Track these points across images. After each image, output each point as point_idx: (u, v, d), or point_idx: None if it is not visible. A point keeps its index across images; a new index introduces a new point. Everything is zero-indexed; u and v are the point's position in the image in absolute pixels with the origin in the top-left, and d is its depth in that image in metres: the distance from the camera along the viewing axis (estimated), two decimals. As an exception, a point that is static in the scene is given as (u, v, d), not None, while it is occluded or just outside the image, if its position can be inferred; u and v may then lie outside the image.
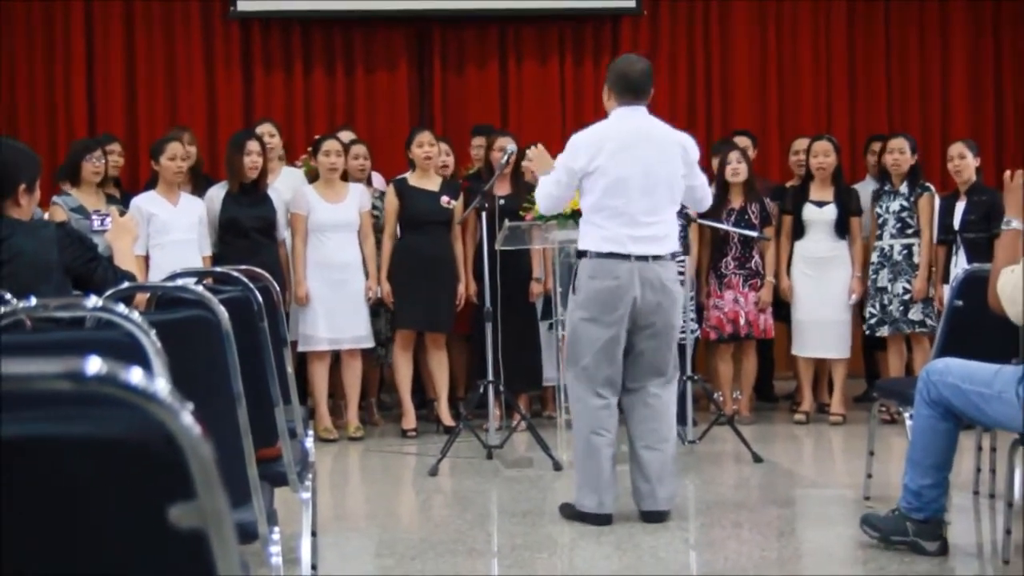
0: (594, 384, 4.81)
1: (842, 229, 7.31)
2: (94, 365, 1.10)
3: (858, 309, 7.54)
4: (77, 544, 1.22)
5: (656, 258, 4.78)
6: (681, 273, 7.07)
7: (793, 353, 7.51)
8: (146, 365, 1.95)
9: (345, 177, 7.16)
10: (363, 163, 7.35)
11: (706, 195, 5.14)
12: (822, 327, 7.31)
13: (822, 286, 7.31)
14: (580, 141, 4.87)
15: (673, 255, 4.90)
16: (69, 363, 1.10)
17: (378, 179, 7.60)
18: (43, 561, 1.22)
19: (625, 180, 4.75)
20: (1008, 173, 4.12)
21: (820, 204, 7.32)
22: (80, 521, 1.22)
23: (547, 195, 5.02)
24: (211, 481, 1.16)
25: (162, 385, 1.14)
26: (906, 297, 7.13)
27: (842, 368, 7.38)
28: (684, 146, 4.92)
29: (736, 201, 7.28)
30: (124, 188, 7.42)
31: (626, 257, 4.74)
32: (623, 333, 4.79)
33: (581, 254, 4.87)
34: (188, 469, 1.16)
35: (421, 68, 9.25)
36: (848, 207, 7.32)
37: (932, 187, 7.30)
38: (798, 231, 7.40)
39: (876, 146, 7.99)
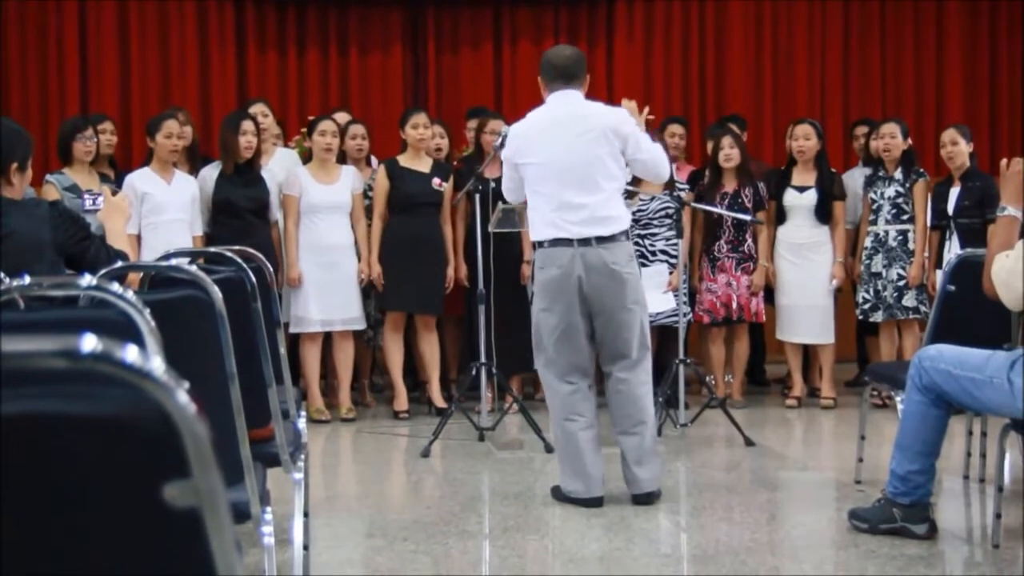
0: (560, 372, 4.86)
1: (823, 214, 7.30)
2: (89, 343, 1.10)
3: (848, 294, 7.55)
4: (71, 522, 1.22)
5: (600, 240, 4.77)
6: (665, 252, 7.13)
7: (778, 338, 7.53)
8: (140, 344, 1.94)
9: (342, 159, 7.15)
10: (361, 143, 7.34)
11: (660, 165, 4.97)
12: (805, 313, 7.31)
13: (804, 272, 7.31)
14: (513, 131, 4.99)
15: (627, 235, 4.87)
16: (64, 340, 1.10)
17: (375, 161, 7.60)
18: (37, 538, 1.22)
19: (549, 165, 4.79)
20: (1005, 161, 4.12)
21: (801, 189, 7.32)
22: (74, 499, 1.22)
23: (505, 189, 5.14)
24: (206, 460, 1.16)
25: (157, 363, 1.13)
26: (901, 283, 7.14)
27: (829, 353, 7.39)
28: (609, 124, 4.83)
29: (729, 185, 7.28)
30: (118, 167, 7.39)
31: (569, 243, 4.77)
32: (578, 319, 4.81)
33: (534, 245, 4.95)
34: (183, 448, 1.16)
35: (415, 49, 9.23)
36: (830, 192, 7.31)
37: (926, 172, 7.30)
38: (780, 216, 7.40)
39: (859, 131, 7.99)
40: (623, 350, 4.86)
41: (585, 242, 4.76)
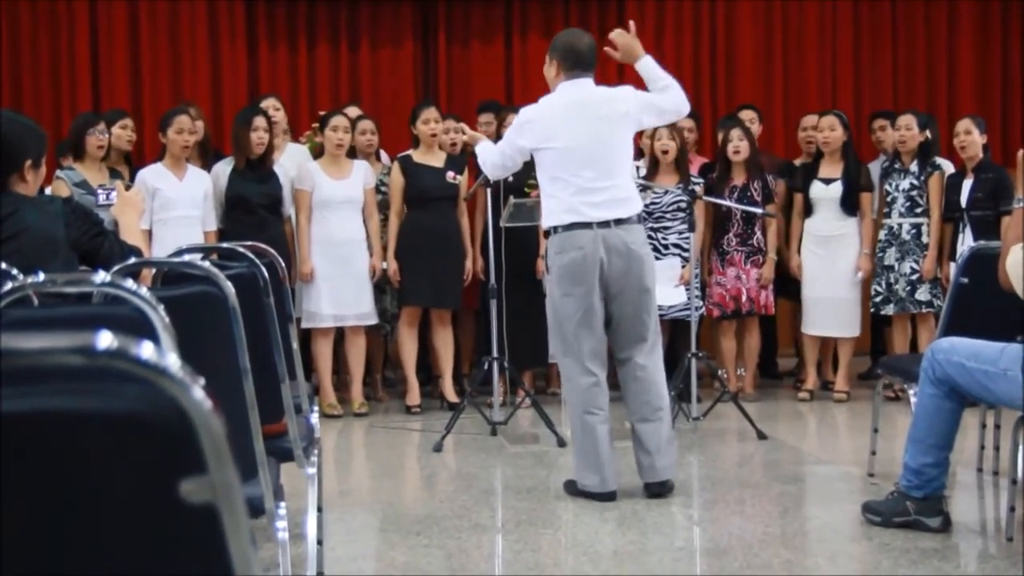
0: (581, 358, 4.83)
1: (850, 206, 7.27)
2: (105, 339, 1.10)
3: (866, 286, 7.53)
4: (87, 518, 1.22)
5: (619, 222, 4.79)
6: (678, 246, 7.12)
7: (803, 332, 7.49)
8: (155, 340, 1.95)
9: (353, 153, 7.16)
10: (370, 138, 7.35)
11: (678, 101, 4.96)
12: (830, 305, 7.28)
13: (830, 264, 7.28)
14: (526, 117, 4.95)
15: (640, 217, 4.89)
16: (80, 337, 1.10)
17: (385, 155, 7.60)
18: (53, 535, 1.22)
19: (572, 150, 4.78)
20: (1021, 152, 4.10)
21: (827, 181, 7.29)
22: (90, 496, 1.22)
23: (491, 163, 5.15)
24: (222, 456, 1.16)
25: (173, 360, 1.14)
26: (913, 277, 7.11)
27: (849, 346, 7.38)
28: (624, 100, 4.90)
29: (738, 178, 7.27)
30: (133, 164, 7.38)
31: (588, 225, 4.76)
32: (597, 302, 4.81)
33: (547, 233, 4.92)
34: (199, 444, 1.16)
35: (426, 43, 9.22)
36: (857, 183, 7.28)
37: (943, 165, 7.24)
38: (807, 209, 7.38)
39: (877, 123, 7.96)
40: (641, 332, 4.87)
41: (604, 224, 4.77)
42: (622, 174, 4.88)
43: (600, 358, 4.88)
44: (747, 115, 7.76)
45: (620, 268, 4.79)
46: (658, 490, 4.83)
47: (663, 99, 4.94)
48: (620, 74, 9.15)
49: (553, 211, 4.87)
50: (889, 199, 7.24)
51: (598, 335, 4.86)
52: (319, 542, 3.59)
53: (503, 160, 5.09)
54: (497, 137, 7.30)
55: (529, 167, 6.86)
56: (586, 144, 4.79)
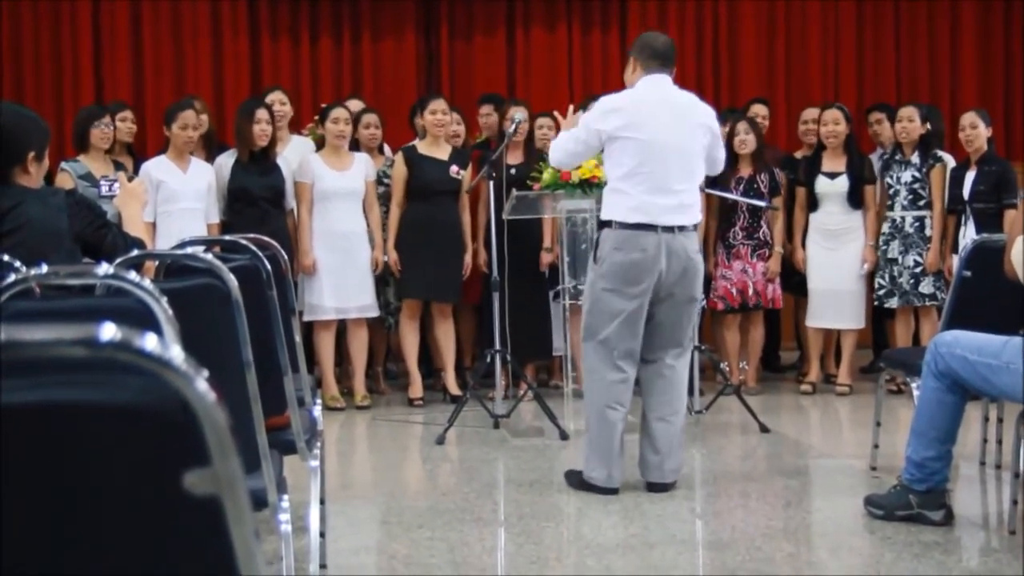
0: (613, 356, 4.77)
1: (856, 200, 7.26)
2: (108, 331, 1.10)
3: (869, 279, 7.52)
4: (91, 510, 1.22)
5: (682, 229, 4.75)
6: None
7: (807, 324, 7.48)
8: (158, 332, 1.95)
9: (356, 147, 7.15)
10: (374, 132, 7.33)
11: (722, 158, 5.11)
12: (836, 298, 7.27)
13: (836, 258, 7.26)
14: (611, 104, 4.81)
15: (695, 226, 4.87)
16: (84, 329, 1.10)
17: (387, 149, 7.58)
18: (56, 527, 1.22)
19: (660, 146, 4.71)
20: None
21: (832, 176, 7.28)
22: (94, 487, 1.22)
23: (564, 150, 4.97)
24: (225, 448, 1.16)
25: (176, 351, 1.14)
26: (917, 270, 7.10)
27: (852, 339, 7.37)
28: (709, 118, 4.91)
29: (745, 170, 7.25)
30: (136, 155, 7.38)
31: (653, 228, 4.70)
32: (646, 304, 4.76)
33: (604, 224, 4.81)
34: (202, 436, 1.16)
35: (428, 36, 9.21)
36: (862, 176, 7.26)
37: (945, 157, 7.22)
38: (812, 203, 7.37)
39: (873, 117, 7.94)
40: (679, 338, 4.86)
41: (669, 230, 4.72)
42: (695, 180, 4.85)
43: (633, 358, 4.81)
44: (760, 110, 7.76)
45: (677, 275, 4.74)
46: (661, 490, 4.82)
47: (721, 154, 5.03)
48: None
49: (617, 205, 4.75)
50: (891, 192, 7.22)
51: (637, 336, 4.79)
52: (322, 534, 3.60)
53: (575, 146, 4.93)
54: (498, 129, 7.33)
55: (533, 160, 6.92)
56: (670, 139, 4.73)
